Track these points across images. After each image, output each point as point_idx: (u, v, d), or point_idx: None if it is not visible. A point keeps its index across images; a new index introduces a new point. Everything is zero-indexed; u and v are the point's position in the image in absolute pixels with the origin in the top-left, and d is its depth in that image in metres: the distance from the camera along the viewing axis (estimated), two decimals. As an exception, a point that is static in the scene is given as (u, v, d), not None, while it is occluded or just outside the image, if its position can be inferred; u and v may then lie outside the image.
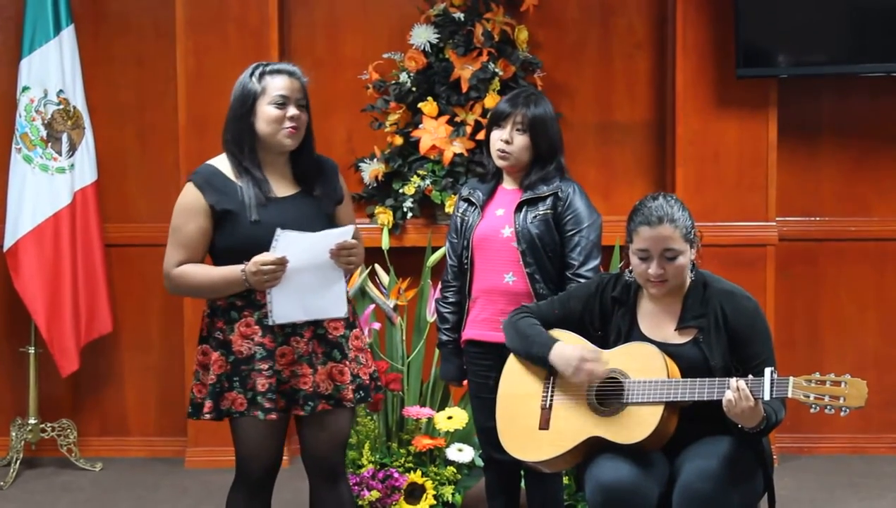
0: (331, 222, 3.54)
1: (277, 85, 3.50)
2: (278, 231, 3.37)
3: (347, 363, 3.52)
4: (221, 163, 3.56)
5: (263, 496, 3.61)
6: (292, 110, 3.49)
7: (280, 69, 3.54)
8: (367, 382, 3.60)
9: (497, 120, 3.89)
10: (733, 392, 3.19)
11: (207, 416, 3.48)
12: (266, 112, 3.49)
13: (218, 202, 3.47)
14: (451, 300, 3.99)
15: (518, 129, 3.85)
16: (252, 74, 3.53)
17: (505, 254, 3.85)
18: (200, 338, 3.56)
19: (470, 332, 3.94)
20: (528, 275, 3.81)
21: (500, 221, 3.88)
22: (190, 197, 3.51)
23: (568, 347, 3.47)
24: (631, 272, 3.50)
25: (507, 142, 3.85)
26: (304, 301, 3.43)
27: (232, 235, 3.47)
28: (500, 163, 3.89)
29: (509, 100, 3.91)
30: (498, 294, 3.85)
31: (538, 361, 3.52)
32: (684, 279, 3.44)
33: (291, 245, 3.37)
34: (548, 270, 3.83)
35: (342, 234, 3.45)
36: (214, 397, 3.47)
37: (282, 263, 3.37)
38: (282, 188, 3.54)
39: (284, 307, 3.41)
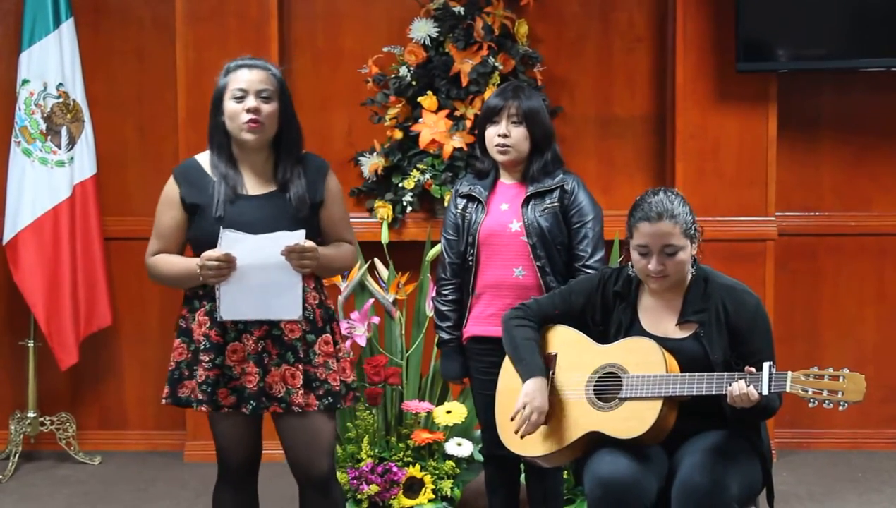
0: (300, 224, 3.45)
1: (237, 78, 3.46)
2: (222, 230, 3.37)
3: (303, 366, 3.46)
4: (204, 157, 3.56)
5: (248, 489, 3.61)
6: (250, 102, 3.43)
7: (241, 63, 3.50)
8: (337, 388, 3.51)
9: (490, 116, 3.88)
10: (731, 395, 3.21)
11: (164, 401, 3.50)
12: (227, 107, 3.46)
13: (188, 195, 3.49)
14: (451, 298, 3.97)
15: (514, 122, 3.85)
16: (223, 72, 3.51)
17: (514, 249, 3.85)
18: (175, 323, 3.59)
19: (474, 329, 3.93)
20: (539, 269, 3.81)
21: (506, 216, 3.87)
22: (168, 188, 3.56)
23: (539, 392, 3.44)
24: (632, 266, 3.51)
25: (504, 136, 3.85)
26: (256, 299, 3.40)
27: (199, 229, 3.48)
28: (500, 158, 3.88)
29: (498, 95, 3.90)
30: (507, 289, 3.84)
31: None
32: (685, 274, 3.44)
33: (237, 244, 3.36)
34: (557, 263, 3.84)
35: (290, 237, 3.39)
36: (172, 384, 3.49)
37: (227, 260, 3.35)
38: (256, 186, 3.50)
39: (234, 303, 3.40)
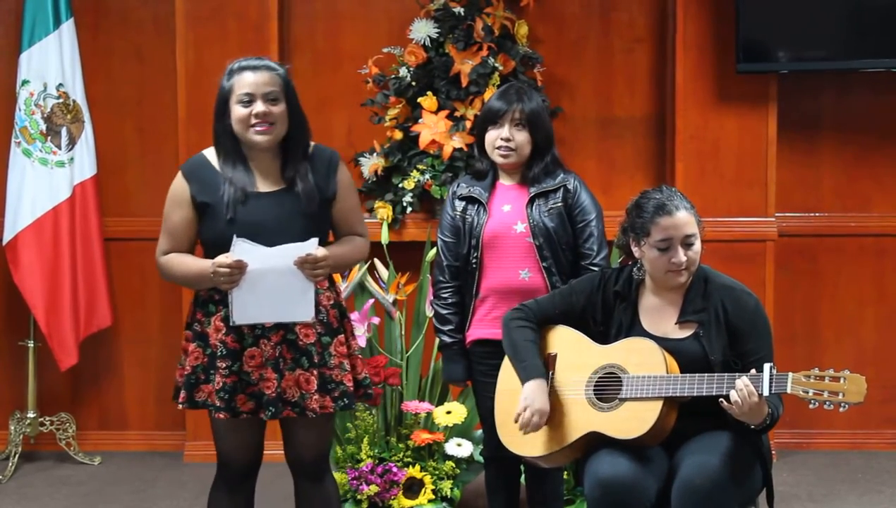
0: (312, 221, 3.44)
1: (243, 82, 3.41)
2: (234, 239, 3.34)
3: (318, 370, 3.46)
4: (212, 152, 3.52)
5: (244, 492, 3.61)
6: (258, 107, 3.40)
7: (245, 65, 3.44)
8: (352, 389, 3.53)
9: (492, 119, 3.86)
10: (738, 391, 3.19)
11: (181, 405, 3.49)
12: (235, 111, 3.43)
13: (199, 193, 3.45)
14: (450, 301, 3.95)
15: (517, 126, 3.84)
16: (226, 73, 3.46)
17: (519, 251, 3.83)
18: (186, 324, 3.55)
19: (478, 332, 3.90)
20: (545, 270, 3.80)
21: (509, 217, 3.86)
22: (177, 185, 3.51)
23: (539, 393, 3.44)
24: (640, 269, 3.50)
25: (507, 140, 3.84)
26: (268, 304, 3.38)
27: (210, 229, 3.46)
28: (501, 161, 3.87)
29: (501, 97, 3.88)
30: (513, 291, 3.81)
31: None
32: (698, 267, 3.44)
33: (247, 253, 3.35)
34: (562, 263, 3.83)
35: (302, 248, 3.37)
36: (189, 388, 3.46)
37: (239, 267, 3.33)
38: (267, 183, 3.48)
39: (246, 308, 3.38)
